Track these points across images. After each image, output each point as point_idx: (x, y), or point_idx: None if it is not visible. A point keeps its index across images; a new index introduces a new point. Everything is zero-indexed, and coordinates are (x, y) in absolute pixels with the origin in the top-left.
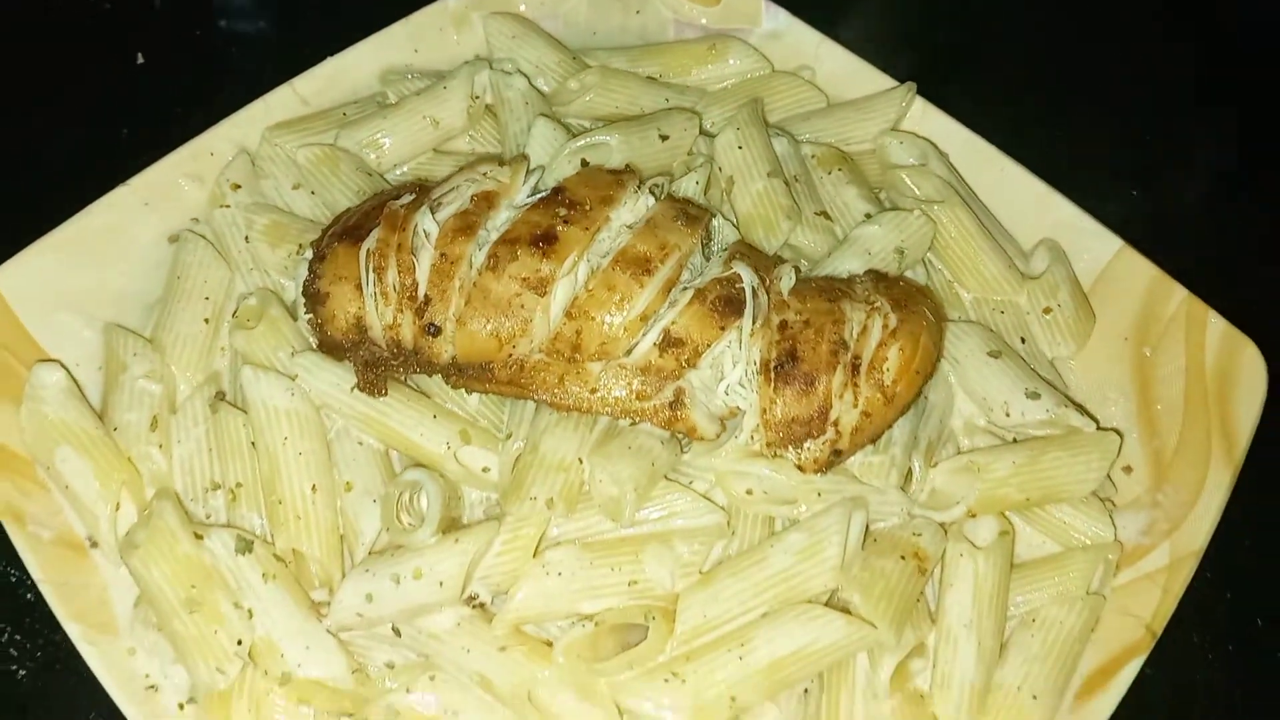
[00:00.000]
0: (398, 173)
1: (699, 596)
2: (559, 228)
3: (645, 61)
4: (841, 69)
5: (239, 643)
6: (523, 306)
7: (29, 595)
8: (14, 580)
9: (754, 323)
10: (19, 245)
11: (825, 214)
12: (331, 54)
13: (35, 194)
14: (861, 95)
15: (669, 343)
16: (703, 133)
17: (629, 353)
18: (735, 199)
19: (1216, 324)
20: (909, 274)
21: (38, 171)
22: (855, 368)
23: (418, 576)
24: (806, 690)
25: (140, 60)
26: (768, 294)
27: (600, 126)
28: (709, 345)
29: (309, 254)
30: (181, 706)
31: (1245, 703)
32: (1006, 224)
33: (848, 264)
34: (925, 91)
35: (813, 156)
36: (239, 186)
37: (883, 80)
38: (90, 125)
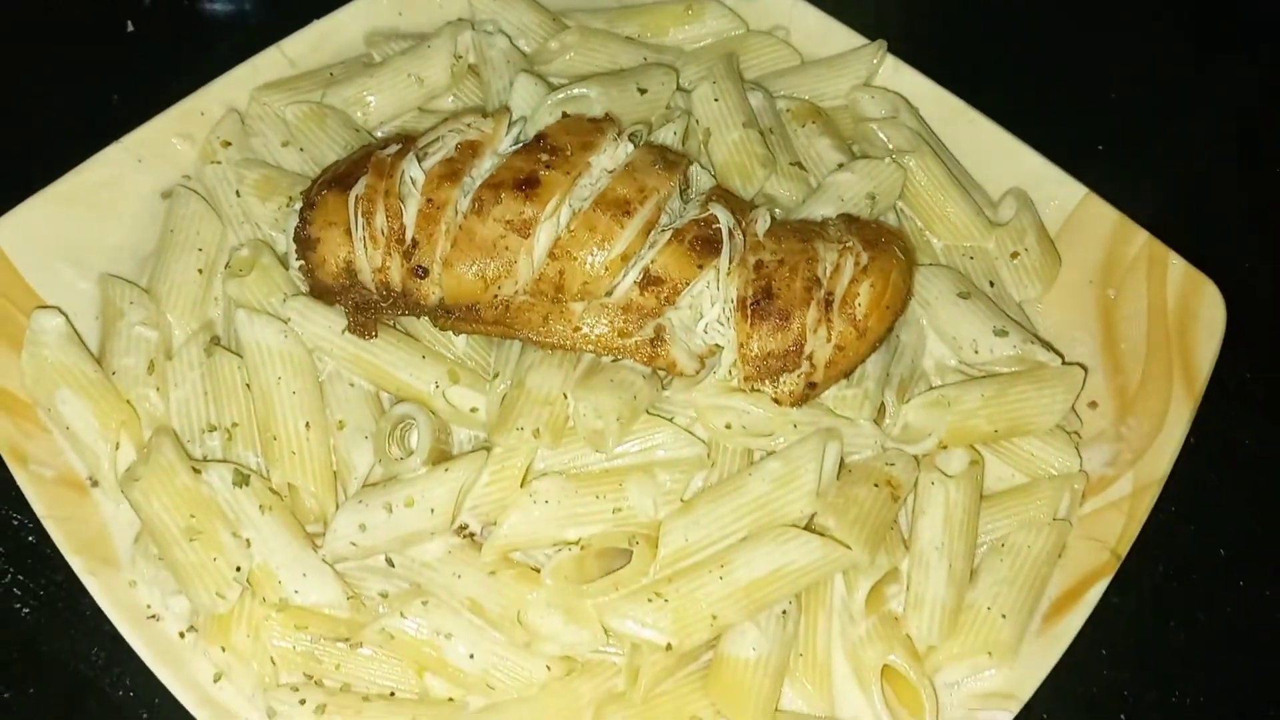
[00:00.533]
0: (383, 130)
1: (680, 522)
2: (541, 172)
3: (623, 22)
4: (815, 29)
5: (238, 569)
6: (507, 248)
7: (30, 538)
8: (15, 523)
9: (730, 262)
10: (12, 202)
11: (800, 164)
12: (318, 18)
13: (28, 153)
14: (833, 53)
15: (649, 281)
16: (680, 89)
17: (610, 292)
18: (712, 149)
19: (1177, 264)
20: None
21: (30, 132)
22: (828, 304)
23: (409, 505)
24: (785, 611)
25: (130, 28)
26: (744, 235)
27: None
28: (687, 283)
29: (299, 206)
30: (182, 635)
31: (1209, 626)
32: (975, 174)
33: (821, 209)
34: (896, 49)
35: (787, 110)
36: (229, 144)
37: (855, 39)
38: (82, 89)
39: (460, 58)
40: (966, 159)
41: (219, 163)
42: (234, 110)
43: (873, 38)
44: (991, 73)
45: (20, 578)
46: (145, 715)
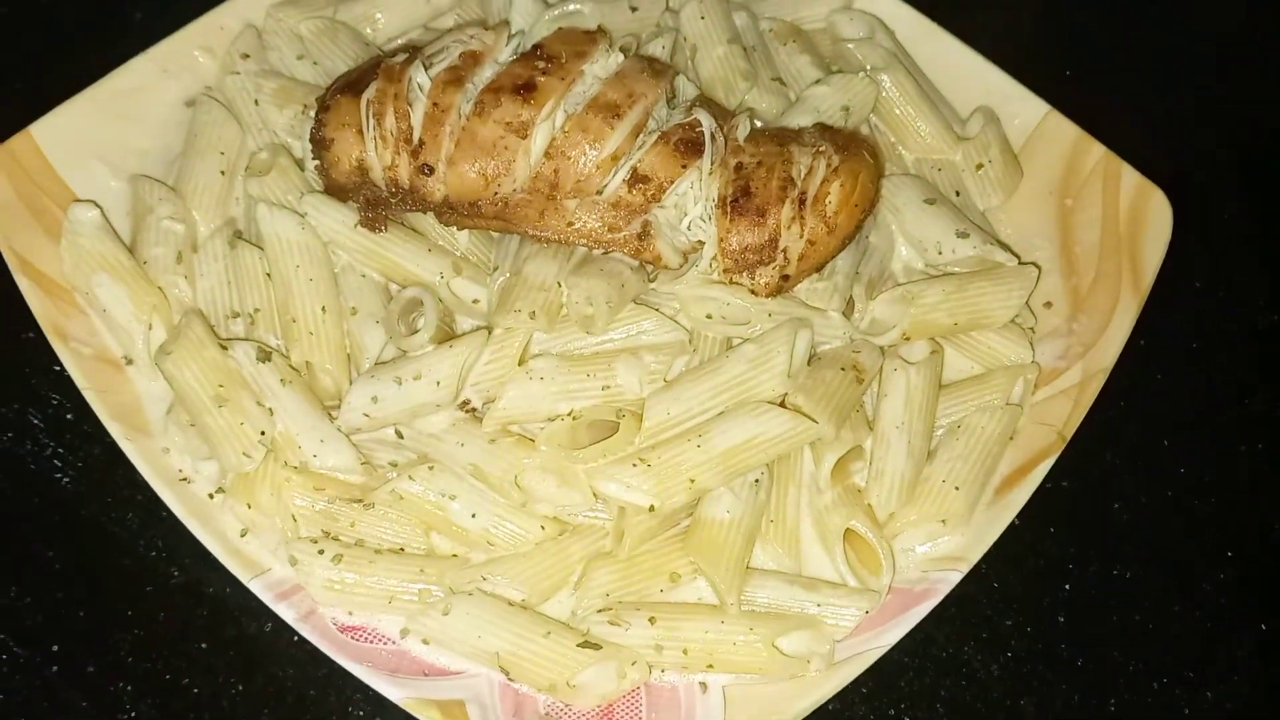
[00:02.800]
0: (391, 46)
1: (663, 398)
2: (538, 78)
3: None
4: None
5: (262, 433)
6: (506, 148)
7: (68, 415)
8: (55, 402)
9: (712, 162)
10: (43, 107)
11: (780, 80)
12: None
13: (58, 64)
14: None
15: (636, 180)
16: (668, 10)
17: (601, 190)
18: (698, 64)
19: (1130, 176)
20: None
21: (58, 46)
22: (802, 202)
23: (417, 378)
24: (757, 480)
25: None
26: (725, 139)
27: None
28: (672, 182)
29: (313, 113)
30: (211, 496)
31: (1151, 505)
32: (945, 92)
33: (798, 120)
34: None
35: (770, 30)
36: (248, 56)
37: None
38: (106, 4)
39: None
40: (937, 78)
41: (238, 74)
42: (252, 25)
43: None
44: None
45: (60, 450)
46: (176, 572)
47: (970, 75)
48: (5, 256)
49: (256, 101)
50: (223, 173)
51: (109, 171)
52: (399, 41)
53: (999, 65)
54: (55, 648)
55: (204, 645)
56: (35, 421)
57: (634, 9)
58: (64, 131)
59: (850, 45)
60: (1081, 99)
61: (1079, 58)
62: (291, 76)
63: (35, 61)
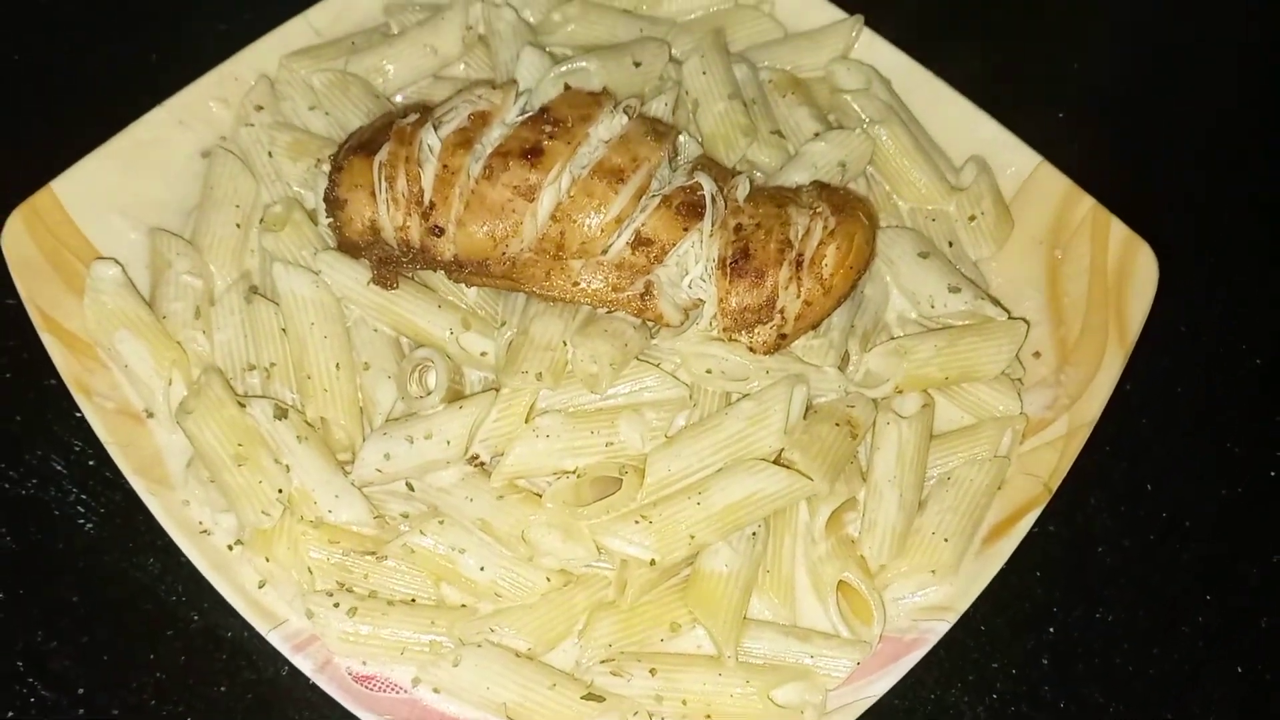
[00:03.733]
0: (401, 96)
1: (664, 454)
2: (545, 142)
3: None
4: (797, 2)
5: (279, 491)
6: (514, 211)
7: (90, 461)
8: (77, 449)
9: (713, 225)
10: (60, 152)
11: (779, 132)
12: None
13: (74, 107)
14: (814, 26)
15: (639, 242)
16: (672, 60)
17: (605, 251)
18: (699, 119)
19: (1118, 229)
20: (851, 186)
21: (74, 89)
22: (799, 264)
23: (428, 437)
24: (754, 533)
25: None
26: (725, 200)
27: (581, 54)
28: (674, 244)
29: (326, 167)
30: (230, 547)
31: (1134, 548)
32: (940, 140)
33: (796, 176)
34: (871, 19)
35: (769, 81)
36: (261, 108)
37: (834, 12)
38: (121, 49)
39: (471, 29)
40: (932, 126)
41: (252, 125)
42: (265, 76)
43: (850, 10)
44: (962, 42)
45: (83, 496)
46: (195, 616)
47: (964, 124)
48: (30, 313)
49: (270, 154)
50: (238, 225)
51: (127, 224)
52: (409, 92)
53: (995, 101)
54: (80, 690)
55: (223, 689)
56: (59, 468)
57: (637, 64)
58: (84, 186)
59: (848, 96)
60: (1073, 142)
61: (1072, 99)
62: (305, 129)
63: (45, 112)
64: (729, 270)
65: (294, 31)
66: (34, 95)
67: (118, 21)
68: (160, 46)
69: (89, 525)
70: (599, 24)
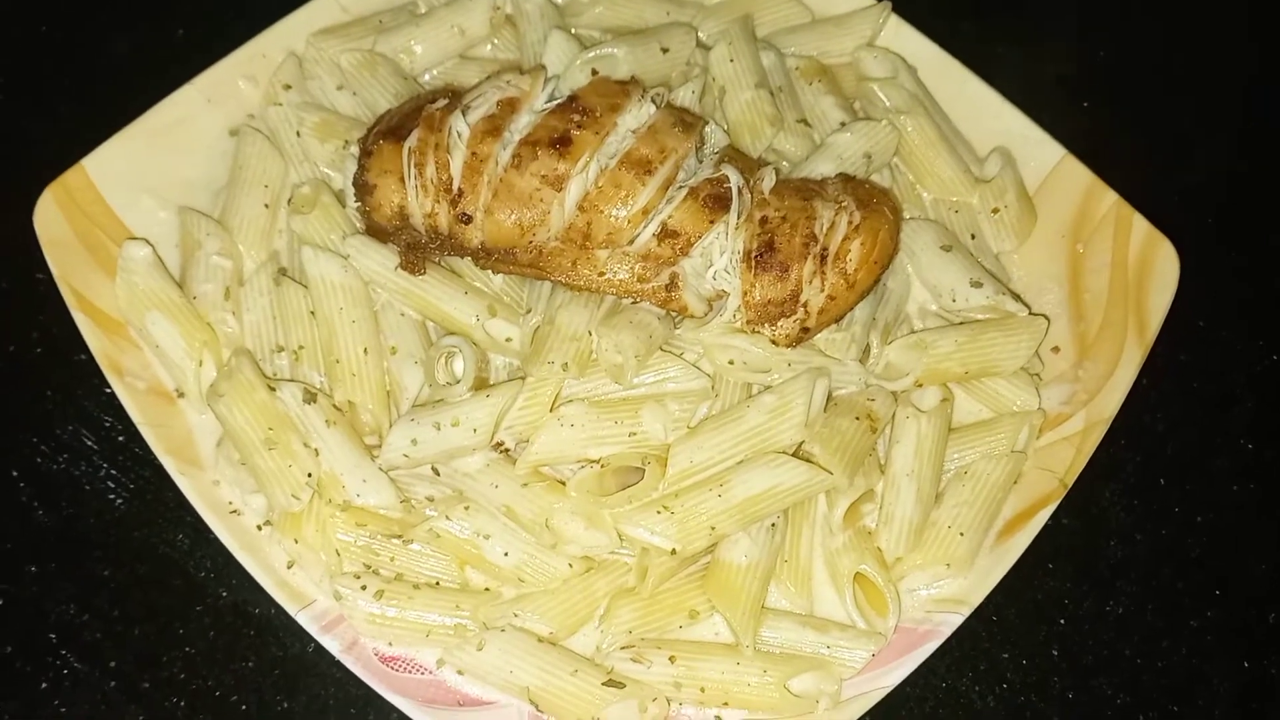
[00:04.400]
0: (428, 76)
1: (687, 445)
2: (573, 131)
3: None
4: None
5: (308, 475)
6: (541, 200)
7: (120, 438)
8: (107, 425)
9: (738, 217)
10: (88, 129)
11: (805, 121)
12: None
13: (103, 84)
14: (842, 11)
15: (666, 234)
16: (699, 45)
17: (632, 242)
18: (726, 107)
19: (1140, 224)
20: (875, 176)
21: (102, 65)
22: (823, 258)
23: (455, 424)
24: (774, 524)
25: None
26: (751, 193)
27: (609, 37)
28: (700, 236)
29: (354, 149)
30: (259, 528)
31: (1146, 542)
32: (965, 131)
33: (822, 167)
34: (899, 8)
35: (796, 69)
36: (289, 86)
37: None
38: (150, 24)
39: (499, 9)
40: (957, 115)
41: (280, 105)
42: (293, 54)
43: None
44: (988, 27)
45: (114, 473)
46: (224, 593)
47: (989, 114)
48: (64, 293)
49: (298, 133)
50: (266, 206)
51: (157, 203)
52: (434, 72)
53: (1020, 91)
54: (113, 664)
55: (250, 664)
56: (89, 444)
57: (665, 50)
58: (115, 164)
59: (874, 85)
60: (1098, 130)
61: (1098, 88)
62: (333, 109)
63: (73, 90)
64: (754, 263)
65: (321, 8)
66: (61, 71)
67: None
68: (188, 22)
69: (119, 501)
70: (626, 6)
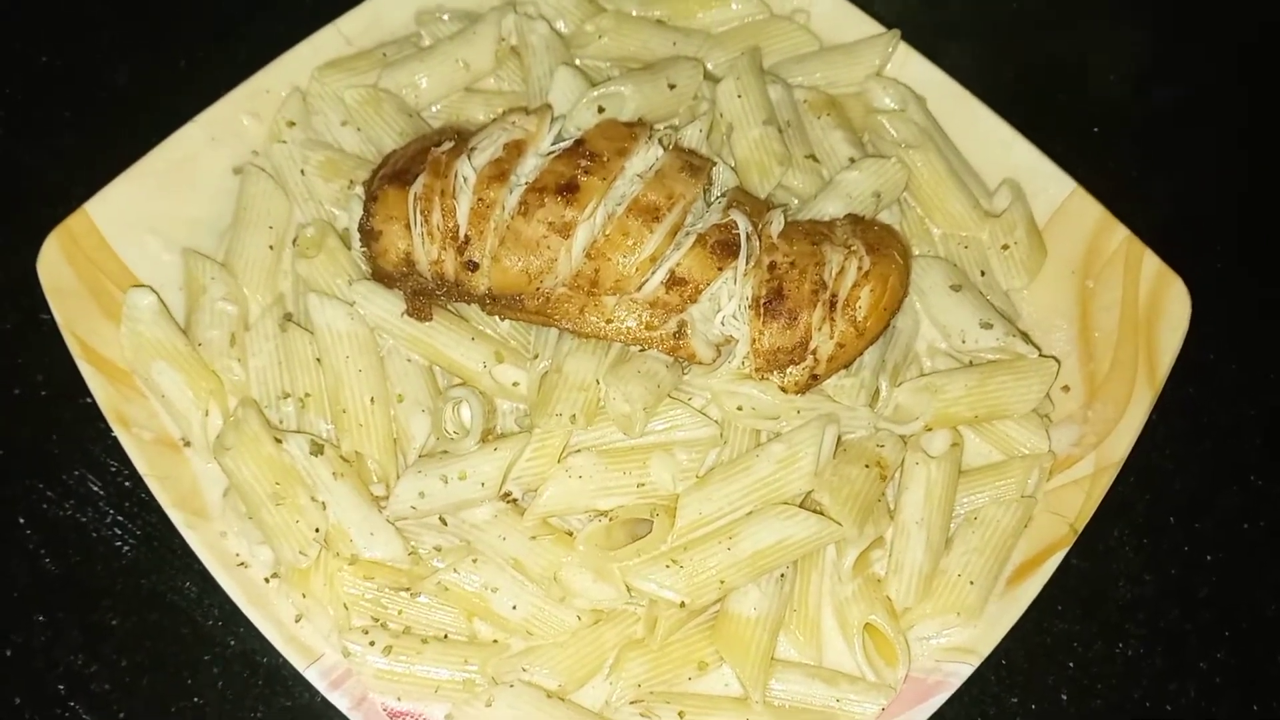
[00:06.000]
0: (433, 110)
1: (695, 496)
2: (580, 178)
3: (655, 5)
4: (832, 14)
5: (316, 530)
6: (549, 247)
7: (127, 483)
8: (113, 470)
9: (747, 264)
10: (92, 162)
11: (813, 157)
12: None
13: (103, 122)
14: (850, 39)
15: (674, 281)
16: (706, 77)
17: (640, 289)
18: (734, 144)
19: (1151, 261)
20: (885, 213)
21: (105, 97)
22: (832, 304)
23: (462, 478)
24: (783, 575)
25: None
26: (759, 238)
27: (614, 71)
28: (708, 284)
29: (359, 190)
30: (267, 580)
31: (1155, 583)
32: (974, 161)
33: (830, 206)
34: (908, 32)
35: (804, 101)
36: (294, 123)
37: (870, 25)
38: (151, 55)
39: (504, 41)
40: (966, 146)
41: (285, 142)
42: (297, 89)
43: (887, 23)
44: (997, 60)
45: (120, 519)
46: (232, 641)
47: (999, 144)
48: (68, 342)
49: (303, 171)
50: (271, 247)
51: (161, 244)
52: (439, 106)
53: (1027, 116)
54: (121, 714)
55: (258, 715)
56: (95, 489)
57: (672, 86)
58: (118, 206)
59: (883, 118)
60: (1106, 159)
61: (1107, 114)
62: (338, 146)
63: (75, 124)
64: (762, 310)
65: (325, 41)
66: (62, 103)
67: (146, 28)
68: (189, 51)
69: (126, 548)
70: (632, 36)
